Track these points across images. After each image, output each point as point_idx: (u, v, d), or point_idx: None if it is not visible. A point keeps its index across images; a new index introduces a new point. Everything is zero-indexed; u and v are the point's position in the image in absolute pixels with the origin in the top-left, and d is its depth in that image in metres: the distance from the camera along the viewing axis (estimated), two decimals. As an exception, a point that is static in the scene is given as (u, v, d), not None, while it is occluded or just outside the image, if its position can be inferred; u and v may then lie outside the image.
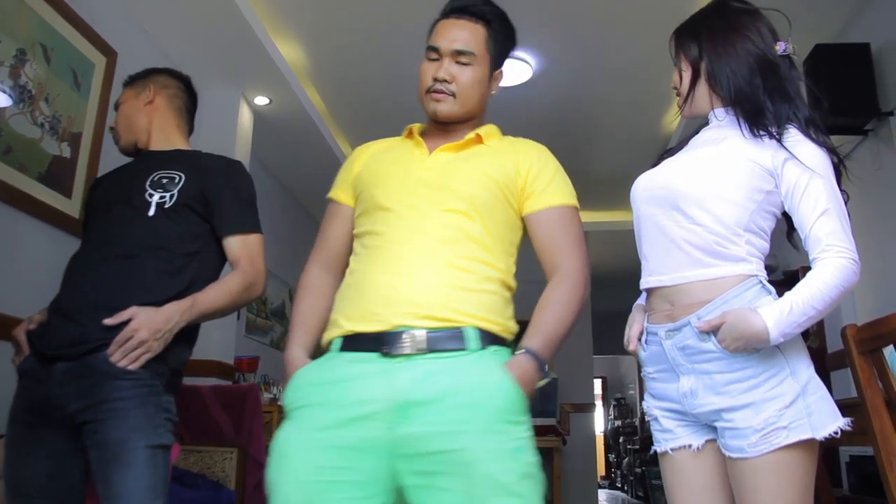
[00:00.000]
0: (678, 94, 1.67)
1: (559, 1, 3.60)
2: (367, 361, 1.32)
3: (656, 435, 1.60)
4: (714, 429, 1.49)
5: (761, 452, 1.37)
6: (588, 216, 7.11)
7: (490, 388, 1.29)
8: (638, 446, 10.83)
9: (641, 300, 1.69)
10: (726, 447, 1.43)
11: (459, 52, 1.54)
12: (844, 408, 1.44)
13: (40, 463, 1.63)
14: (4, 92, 2.57)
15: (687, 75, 1.63)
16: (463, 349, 1.32)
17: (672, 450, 1.55)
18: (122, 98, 2.06)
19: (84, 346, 1.62)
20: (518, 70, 4.39)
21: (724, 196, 1.48)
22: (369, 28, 4.01)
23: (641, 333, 1.62)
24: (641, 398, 12.92)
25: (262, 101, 4.49)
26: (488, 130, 1.60)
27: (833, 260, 1.39)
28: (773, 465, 1.38)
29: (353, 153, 1.67)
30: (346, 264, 1.53)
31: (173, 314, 1.68)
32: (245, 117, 4.47)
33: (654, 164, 1.71)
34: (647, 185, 1.62)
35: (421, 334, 1.31)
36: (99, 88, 3.14)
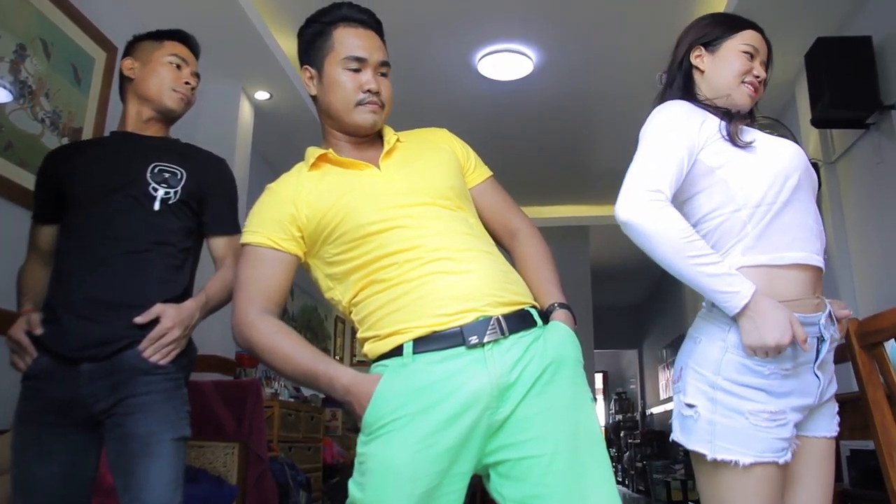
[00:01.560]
0: (763, 86, 1.73)
1: (560, -5, 3.59)
2: (455, 357, 1.31)
3: (778, 444, 1.44)
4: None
5: (835, 434, 1.58)
6: (588, 211, 7.11)
7: (567, 345, 1.40)
8: (639, 440, 10.83)
9: (728, 266, 1.47)
10: (827, 428, 1.57)
11: (383, 63, 1.56)
12: (845, 402, 1.46)
13: (56, 462, 1.63)
14: (4, 87, 2.57)
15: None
16: (534, 325, 1.40)
17: (784, 461, 1.45)
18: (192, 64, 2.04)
19: (113, 345, 1.64)
20: (519, 64, 4.38)
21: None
22: (369, 22, 4.00)
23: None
24: (643, 392, 12.91)
25: (262, 95, 4.49)
26: (392, 131, 1.60)
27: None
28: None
29: (270, 196, 1.50)
30: (282, 313, 1.47)
31: (194, 310, 1.74)
32: (246, 112, 4.47)
33: (732, 126, 1.61)
34: (796, 162, 1.59)
35: (501, 319, 1.35)
36: (99, 84, 3.14)
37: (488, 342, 1.32)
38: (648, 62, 4.37)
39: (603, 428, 13.33)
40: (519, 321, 1.37)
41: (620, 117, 5.09)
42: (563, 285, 1.56)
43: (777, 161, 1.56)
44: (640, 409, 12.79)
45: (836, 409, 1.59)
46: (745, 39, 1.70)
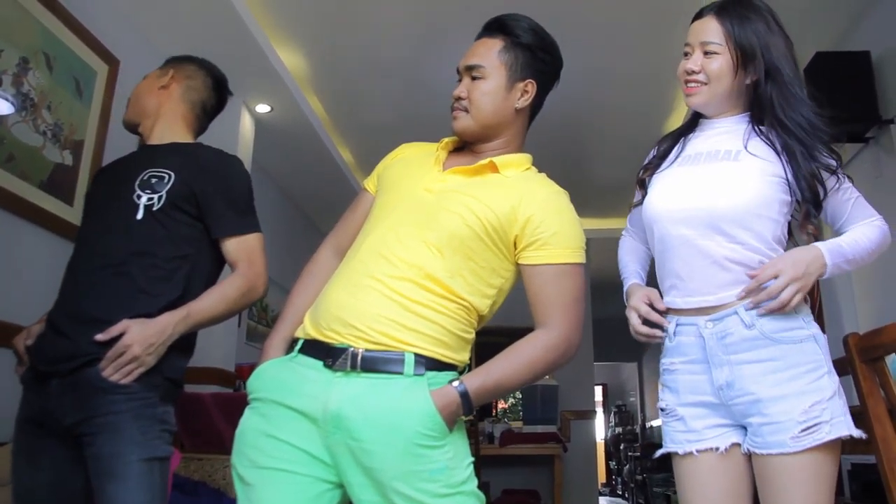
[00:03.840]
0: (694, 78, 1.62)
1: (562, 6, 3.61)
2: (315, 368, 1.37)
3: (676, 436, 1.56)
4: (741, 431, 1.50)
5: (803, 447, 1.38)
6: (589, 223, 7.11)
7: (408, 413, 1.31)
8: (639, 453, 10.79)
9: (635, 277, 1.78)
10: (763, 445, 1.42)
11: (471, 68, 1.56)
12: (846, 416, 1.45)
13: (44, 472, 1.63)
14: (7, 100, 2.58)
15: (727, 61, 1.59)
16: (400, 373, 1.34)
17: (697, 451, 1.52)
18: (147, 74, 2.00)
19: (75, 361, 1.58)
20: (519, 77, 4.38)
21: (761, 212, 1.52)
22: (371, 36, 4.02)
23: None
24: (642, 405, 12.89)
25: (263, 108, 4.50)
26: (509, 160, 1.54)
27: (877, 222, 1.61)
28: (811, 462, 1.38)
29: (397, 148, 1.71)
30: None
31: (167, 326, 1.63)
32: (246, 125, 4.48)
33: (649, 168, 1.72)
34: (677, 207, 1.59)
35: (360, 353, 1.34)
36: (101, 96, 3.15)
37: (338, 370, 1.35)
38: (650, 75, 4.39)
39: (602, 441, 13.39)
40: (380, 362, 1.34)
41: (621, 130, 5.11)
42: (511, 386, 1.42)
43: (646, 209, 1.67)
44: (639, 421, 12.76)
45: (801, 422, 1.39)
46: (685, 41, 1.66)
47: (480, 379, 1.37)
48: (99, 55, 3.14)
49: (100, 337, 1.58)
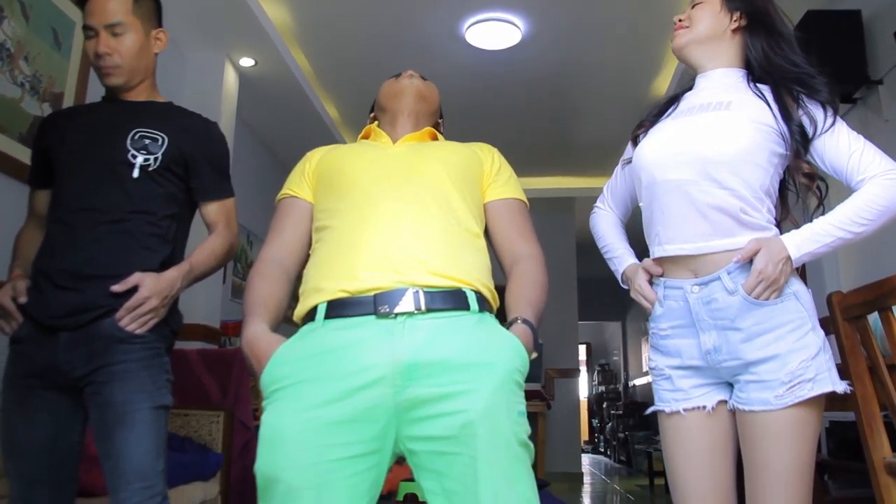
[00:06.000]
0: (680, 25, 1.69)
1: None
2: (362, 326, 1.25)
3: (664, 395, 1.59)
4: (727, 388, 1.53)
5: (786, 405, 1.41)
6: (575, 182, 7.10)
7: (502, 349, 1.25)
8: (621, 412, 10.96)
9: (629, 256, 1.76)
10: (748, 401, 1.45)
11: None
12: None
13: (41, 425, 1.64)
14: (-17, 50, 2.52)
15: (710, 4, 1.67)
16: (466, 309, 1.29)
17: (684, 410, 1.54)
18: (127, 21, 1.77)
19: (89, 313, 1.62)
20: (507, 33, 4.34)
21: (750, 159, 1.52)
22: (356, -11, 3.94)
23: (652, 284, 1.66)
24: (625, 364, 13.06)
25: (247, 62, 4.43)
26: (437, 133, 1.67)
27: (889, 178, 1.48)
28: (793, 419, 1.41)
29: (304, 157, 1.65)
30: (301, 264, 1.48)
31: (176, 279, 1.71)
32: (230, 79, 4.41)
33: (644, 125, 1.72)
34: (668, 152, 1.59)
35: (422, 292, 1.26)
36: (80, 47, 3.07)
37: (401, 314, 1.25)
38: (637, 33, 4.35)
39: (585, 399, 13.57)
40: (445, 299, 1.28)
41: (609, 88, 5.07)
42: (543, 311, 1.42)
43: (637, 157, 1.68)
44: (622, 380, 12.92)
45: (787, 381, 1.41)
46: None
47: (532, 310, 1.37)
48: (77, 4, 3.06)
49: (116, 288, 1.63)
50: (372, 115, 1.72)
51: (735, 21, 1.65)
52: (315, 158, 1.61)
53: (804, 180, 1.56)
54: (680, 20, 1.69)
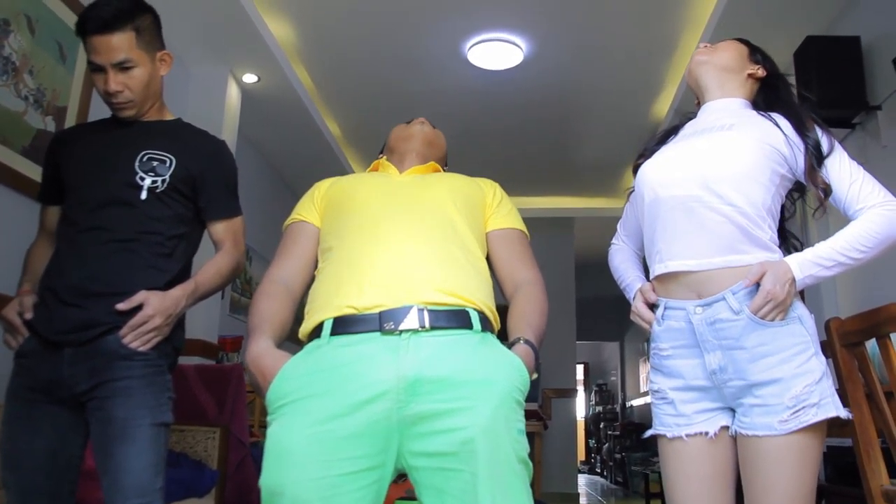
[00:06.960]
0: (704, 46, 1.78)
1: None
2: (367, 342, 1.28)
3: (666, 419, 1.57)
4: (730, 413, 1.52)
5: (790, 430, 1.40)
6: (574, 202, 7.12)
7: (504, 367, 1.29)
8: (618, 432, 10.90)
9: (638, 281, 1.76)
10: (751, 426, 1.44)
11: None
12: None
13: (42, 438, 1.65)
14: (-12, 63, 2.53)
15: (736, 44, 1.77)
16: (469, 328, 1.32)
17: (687, 436, 1.53)
18: (133, 57, 1.77)
19: (93, 330, 1.64)
20: (509, 54, 4.37)
21: (753, 176, 1.54)
22: (359, 8, 3.97)
23: (652, 308, 1.66)
24: (623, 384, 13.00)
25: (250, 78, 4.45)
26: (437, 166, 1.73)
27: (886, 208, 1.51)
28: (796, 444, 1.40)
29: (314, 185, 1.69)
30: (306, 286, 1.51)
31: (180, 298, 1.73)
32: (233, 95, 4.43)
33: (645, 154, 1.74)
34: (671, 171, 1.61)
35: (427, 310, 1.29)
36: (85, 62, 3.08)
37: (405, 331, 1.27)
38: (638, 56, 4.38)
39: (582, 419, 13.52)
40: (449, 318, 1.31)
41: (609, 110, 5.09)
42: (544, 334, 1.46)
43: (640, 178, 1.72)
44: (620, 401, 12.86)
45: (791, 406, 1.40)
46: None
47: (532, 331, 1.41)
48: (77, 34, 3.06)
49: (121, 306, 1.65)
50: (382, 155, 1.77)
51: (754, 69, 1.72)
52: (324, 186, 1.66)
53: (821, 194, 1.56)
54: (706, 45, 1.77)
